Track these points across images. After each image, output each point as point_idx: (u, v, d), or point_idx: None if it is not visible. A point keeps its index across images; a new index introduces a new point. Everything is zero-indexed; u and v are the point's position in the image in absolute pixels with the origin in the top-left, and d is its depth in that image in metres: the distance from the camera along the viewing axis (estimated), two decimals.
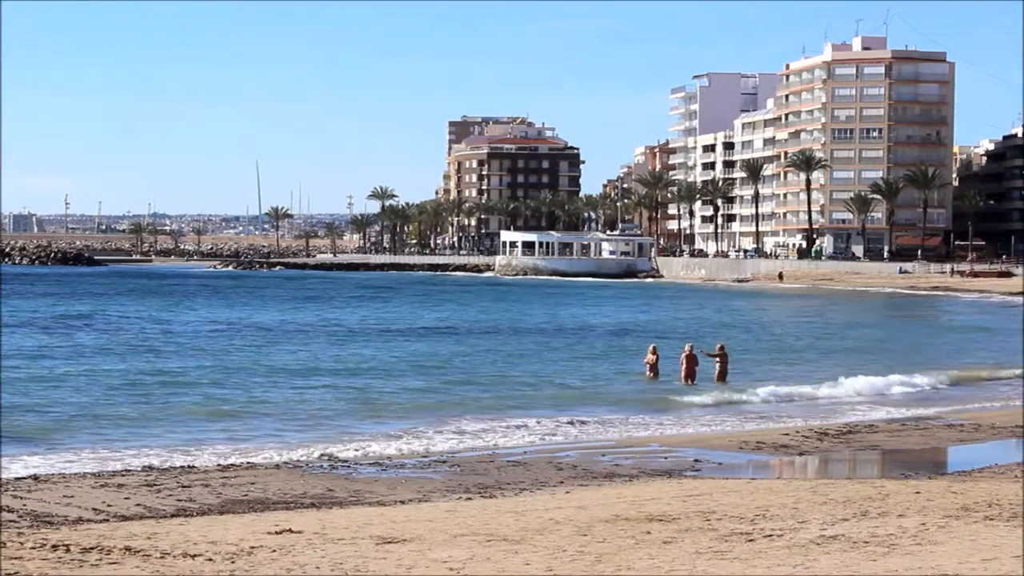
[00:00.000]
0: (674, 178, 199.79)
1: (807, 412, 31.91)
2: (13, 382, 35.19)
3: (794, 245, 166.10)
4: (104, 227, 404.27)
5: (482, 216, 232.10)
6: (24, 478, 20.00)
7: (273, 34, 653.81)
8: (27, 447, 24.38)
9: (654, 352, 38.95)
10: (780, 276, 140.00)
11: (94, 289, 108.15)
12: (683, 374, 37.12)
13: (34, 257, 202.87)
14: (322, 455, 23.54)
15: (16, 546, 13.38)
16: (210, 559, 12.89)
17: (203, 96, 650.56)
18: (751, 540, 13.65)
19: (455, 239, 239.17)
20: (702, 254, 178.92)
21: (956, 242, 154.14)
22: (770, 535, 13.92)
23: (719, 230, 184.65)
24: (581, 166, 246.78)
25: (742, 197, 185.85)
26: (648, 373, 38.53)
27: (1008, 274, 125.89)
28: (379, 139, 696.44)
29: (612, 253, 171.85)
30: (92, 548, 13.40)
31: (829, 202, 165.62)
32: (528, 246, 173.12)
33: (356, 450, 24.27)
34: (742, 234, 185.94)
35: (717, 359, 37.86)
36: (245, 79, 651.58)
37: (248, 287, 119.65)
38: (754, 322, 72.37)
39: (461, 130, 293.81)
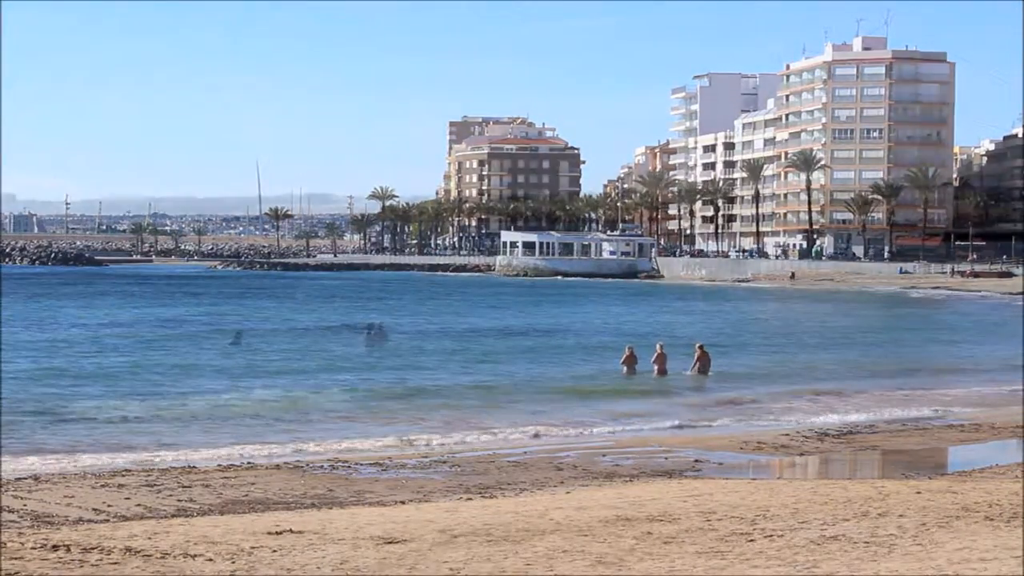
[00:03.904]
0: (674, 178, 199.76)
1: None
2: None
3: (795, 245, 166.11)
4: (104, 227, 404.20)
5: (482, 216, 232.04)
6: (24, 478, 20.00)
7: (273, 34, 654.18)
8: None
9: (630, 351, 41.63)
10: (792, 276, 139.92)
11: (175, 291, 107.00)
12: (656, 371, 39.72)
13: (34, 257, 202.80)
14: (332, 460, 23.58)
15: (16, 546, 13.39)
16: (210, 559, 12.89)
17: (204, 96, 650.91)
18: (751, 540, 13.66)
19: (455, 239, 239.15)
20: (702, 254, 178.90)
21: (956, 242, 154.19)
22: (770, 535, 13.92)
23: (719, 230, 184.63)
24: (581, 166, 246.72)
25: (742, 197, 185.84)
26: (625, 370, 40.91)
27: (1008, 274, 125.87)
28: (379, 139, 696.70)
29: (612, 253, 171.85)
30: (92, 548, 13.41)
31: (829, 202, 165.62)
32: (528, 246, 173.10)
33: (357, 450, 24.32)
34: (742, 234, 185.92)
35: (696, 356, 40.45)
36: (246, 79, 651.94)
37: (332, 289, 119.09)
38: (746, 328, 72.36)
39: (461, 130, 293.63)
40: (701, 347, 40.94)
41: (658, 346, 40.66)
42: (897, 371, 43.45)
